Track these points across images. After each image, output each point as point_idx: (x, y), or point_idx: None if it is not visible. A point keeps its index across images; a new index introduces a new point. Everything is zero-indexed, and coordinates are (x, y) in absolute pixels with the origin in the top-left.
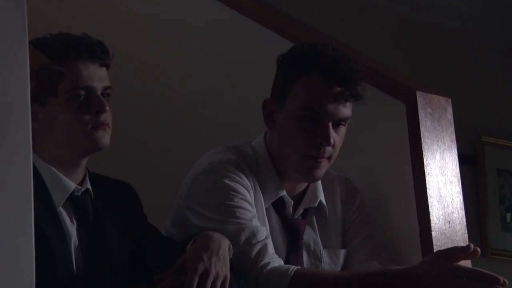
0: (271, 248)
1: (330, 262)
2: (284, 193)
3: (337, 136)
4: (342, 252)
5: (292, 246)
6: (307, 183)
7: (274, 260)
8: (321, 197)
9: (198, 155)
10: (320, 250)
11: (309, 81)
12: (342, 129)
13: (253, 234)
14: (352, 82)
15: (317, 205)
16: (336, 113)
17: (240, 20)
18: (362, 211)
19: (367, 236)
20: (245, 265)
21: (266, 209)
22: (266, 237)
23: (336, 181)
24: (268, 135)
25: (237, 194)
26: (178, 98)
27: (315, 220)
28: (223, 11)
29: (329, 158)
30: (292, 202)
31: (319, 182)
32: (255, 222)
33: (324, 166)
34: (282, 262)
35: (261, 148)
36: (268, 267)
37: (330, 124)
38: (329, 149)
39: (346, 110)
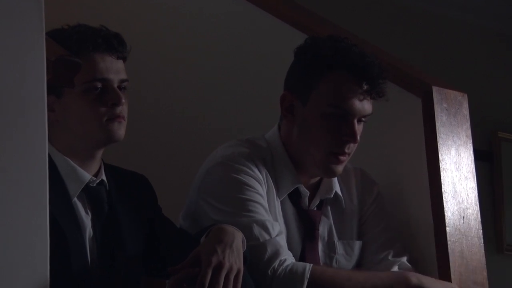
0: (283, 243)
1: (345, 253)
2: (300, 184)
3: (359, 134)
4: (357, 244)
5: (307, 237)
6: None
7: (288, 257)
8: (337, 188)
9: (211, 149)
10: (335, 241)
11: (336, 78)
12: (362, 125)
13: (266, 228)
14: (380, 80)
15: (333, 196)
16: (361, 110)
17: (254, 13)
18: (380, 203)
19: (384, 228)
20: (259, 260)
21: (282, 200)
22: (279, 233)
23: (352, 173)
24: (284, 128)
25: (250, 188)
26: (192, 91)
27: (330, 211)
28: (238, 4)
29: (349, 154)
30: (308, 193)
31: None
32: (268, 216)
33: (345, 162)
34: (294, 259)
35: (276, 141)
36: (284, 265)
37: (355, 121)
38: (352, 145)
39: (370, 106)
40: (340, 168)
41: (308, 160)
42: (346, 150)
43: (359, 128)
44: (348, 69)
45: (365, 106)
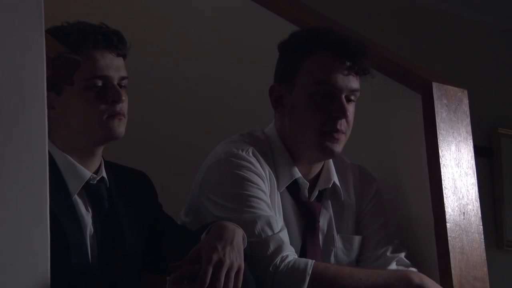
0: (286, 239)
1: (343, 248)
2: (299, 175)
3: (349, 111)
4: (357, 239)
5: (308, 229)
6: (321, 166)
7: (290, 253)
8: (335, 178)
9: (213, 144)
10: (334, 234)
11: (318, 57)
12: (353, 105)
13: (269, 224)
14: (361, 55)
15: (332, 189)
16: (347, 85)
17: (256, 9)
18: (378, 200)
19: (382, 224)
20: (261, 257)
21: (281, 193)
22: (281, 229)
23: (350, 169)
24: (278, 120)
25: (252, 184)
26: (193, 86)
27: (331, 204)
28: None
29: (344, 133)
30: (308, 184)
31: (332, 165)
32: (271, 212)
33: (342, 141)
34: (296, 255)
35: (273, 134)
36: (286, 261)
37: (343, 96)
38: (344, 123)
39: (356, 82)
40: (337, 147)
41: (303, 146)
42: (338, 127)
43: (349, 108)
44: (328, 48)
45: (350, 81)
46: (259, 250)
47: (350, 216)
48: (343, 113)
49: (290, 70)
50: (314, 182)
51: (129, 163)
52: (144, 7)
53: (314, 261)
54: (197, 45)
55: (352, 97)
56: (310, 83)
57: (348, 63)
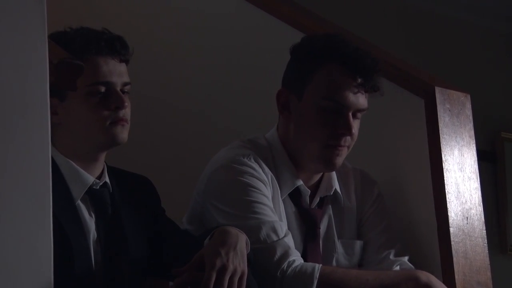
0: (291, 244)
1: (344, 253)
2: (300, 182)
3: (354, 128)
4: (358, 244)
5: (309, 236)
6: (322, 173)
7: (297, 258)
8: (336, 185)
9: (210, 145)
10: (335, 240)
11: (330, 71)
12: (358, 120)
13: (274, 229)
14: (373, 73)
15: (333, 194)
16: (356, 104)
17: (257, 13)
18: (380, 203)
19: (384, 228)
20: (268, 262)
21: (283, 200)
22: (286, 234)
23: (351, 173)
24: (281, 126)
25: (255, 190)
26: (196, 90)
27: (331, 210)
28: (240, 4)
29: (348, 147)
30: (309, 191)
31: (334, 172)
32: (275, 217)
33: (344, 154)
34: (302, 260)
35: (275, 140)
36: (293, 265)
37: (350, 114)
38: (349, 139)
39: (364, 101)
40: (339, 160)
41: (306, 156)
42: (343, 143)
43: (355, 123)
44: (341, 62)
45: (359, 99)
46: (265, 256)
47: (351, 221)
48: (349, 131)
49: (300, 79)
50: (315, 188)
51: (128, 165)
52: (141, 9)
53: (321, 265)
54: (196, 47)
55: (359, 114)
56: (319, 97)
57: (359, 80)
